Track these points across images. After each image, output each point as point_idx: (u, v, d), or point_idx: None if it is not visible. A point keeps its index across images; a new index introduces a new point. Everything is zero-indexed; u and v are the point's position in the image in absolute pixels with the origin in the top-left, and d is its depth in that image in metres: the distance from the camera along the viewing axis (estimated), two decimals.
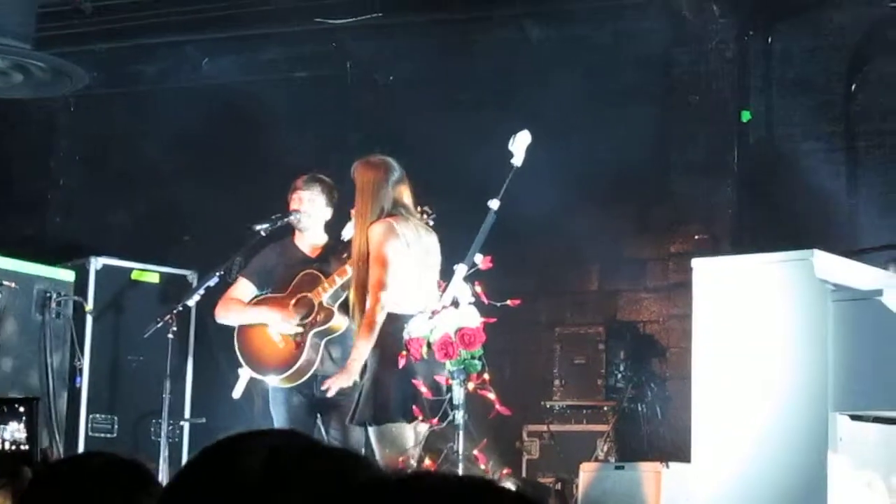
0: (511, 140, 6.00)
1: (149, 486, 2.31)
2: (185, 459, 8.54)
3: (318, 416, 6.62)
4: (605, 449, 8.07)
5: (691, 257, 6.43)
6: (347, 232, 6.42)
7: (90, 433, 8.52)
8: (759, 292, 5.89)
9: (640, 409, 8.33)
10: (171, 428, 7.58)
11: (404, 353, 5.72)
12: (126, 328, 8.57)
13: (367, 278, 6.04)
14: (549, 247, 8.80)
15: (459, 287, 5.72)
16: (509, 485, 4.18)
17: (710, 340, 5.97)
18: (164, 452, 7.26)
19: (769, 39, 8.72)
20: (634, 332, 8.77)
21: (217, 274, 6.87)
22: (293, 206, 6.78)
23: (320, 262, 6.74)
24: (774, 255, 5.97)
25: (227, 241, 7.25)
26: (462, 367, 5.63)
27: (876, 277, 6.10)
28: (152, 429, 8.44)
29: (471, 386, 5.64)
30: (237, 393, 6.71)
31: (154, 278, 8.84)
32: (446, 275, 5.93)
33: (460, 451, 5.59)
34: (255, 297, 6.79)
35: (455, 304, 5.70)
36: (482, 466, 5.67)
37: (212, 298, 6.95)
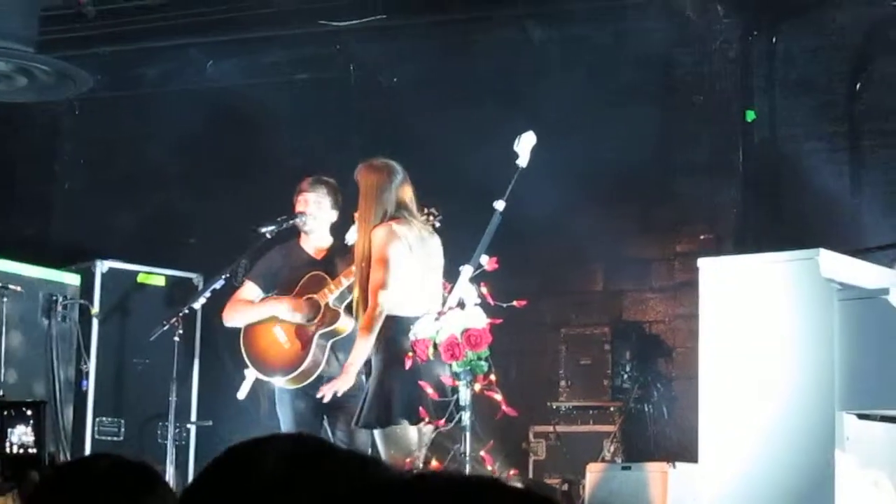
0: (516, 141, 5.99)
1: (156, 488, 2.31)
2: (191, 462, 8.56)
3: (325, 417, 6.61)
4: (612, 449, 8.06)
5: (696, 257, 6.42)
6: (351, 236, 6.41)
7: (97, 436, 8.52)
8: (765, 292, 5.89)
9: (646, 409, 8.32)
10: (177, 431, 7.57)
11: (410, 354, 5.71)
12: (132, 331, 8.57)
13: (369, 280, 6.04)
14: (554, 247, 8.79)
15: (465, 288, 5.72)
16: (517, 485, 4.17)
17: (717, 340, 5.97)
18: (170, 455, 7.26)
19: (773, 39, 8.71)
20: (640, 332, 8.75)
21: (223, 276, 6.86)
22: (299, 208, 6.78)
23: (326, 263, 6.74)
24: (780, 255, 5.98)
25: (232, 243, 7.25)
26: (468, 368, 5.62)
27: (881, 276, 6.10)
28: (159, 431, 8.44)
29: (477, 387, 5.64)
30: (242, 393, 6.70)
31: (160, 281, 8.84)
32: (452, 276, 5.93)
33: (467, 453, 5.58)
34: (262, 299, 6.79)
35: (461, 305, 5.70)
36: (489, 468, 5.67)
37: (217, 301, 6.95)
